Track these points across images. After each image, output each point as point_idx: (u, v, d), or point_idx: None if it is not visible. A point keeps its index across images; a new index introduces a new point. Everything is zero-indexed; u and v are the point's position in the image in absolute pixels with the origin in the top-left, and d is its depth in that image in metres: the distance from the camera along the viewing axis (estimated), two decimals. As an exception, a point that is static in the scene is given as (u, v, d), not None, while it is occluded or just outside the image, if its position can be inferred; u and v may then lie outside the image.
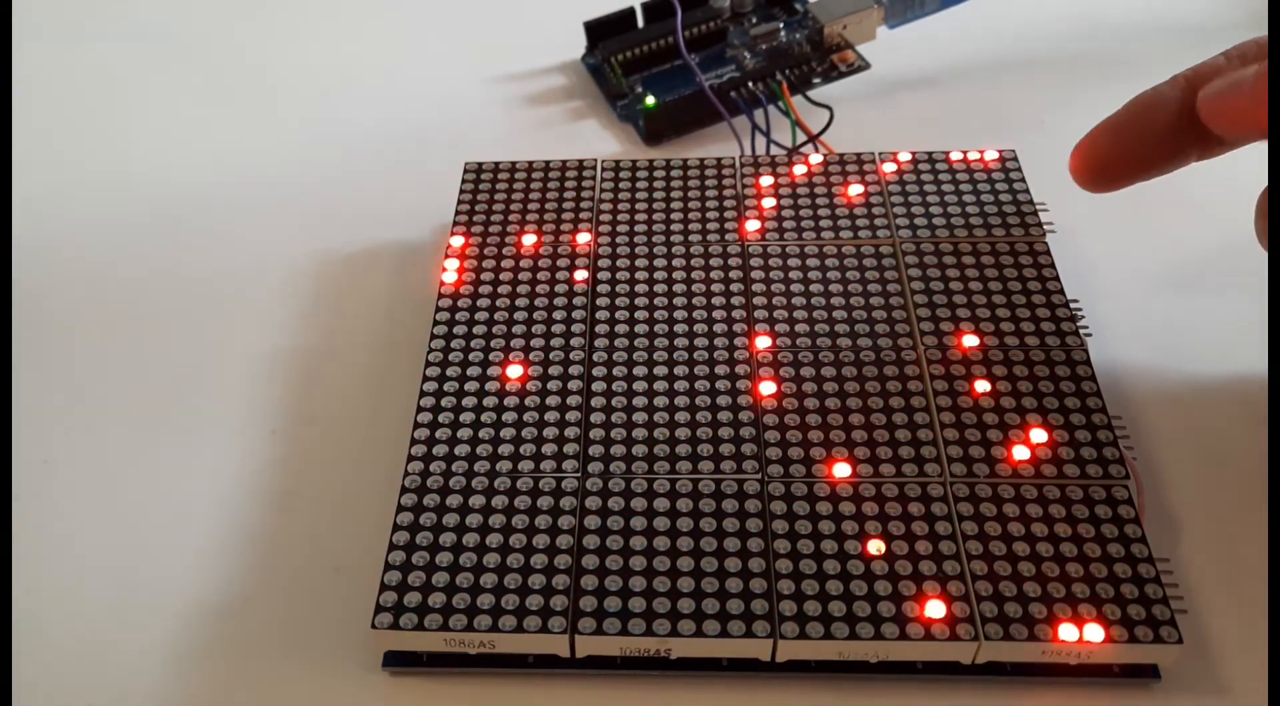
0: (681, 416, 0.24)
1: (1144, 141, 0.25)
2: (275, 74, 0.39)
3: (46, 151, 0.36)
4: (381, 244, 0.32)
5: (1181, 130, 0.24)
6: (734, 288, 0.27)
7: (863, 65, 0.35)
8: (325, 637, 0.23)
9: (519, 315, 0.27)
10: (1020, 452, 0.23)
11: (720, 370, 0.25)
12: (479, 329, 0.26)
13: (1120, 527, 0.22)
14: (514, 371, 0.25)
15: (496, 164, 0.31)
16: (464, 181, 0.31)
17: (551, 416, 0.24)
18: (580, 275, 0.28)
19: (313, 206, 0.33)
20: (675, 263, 0.28)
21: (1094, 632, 0.20)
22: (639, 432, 0.24)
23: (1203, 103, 0.23)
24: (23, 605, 0.24)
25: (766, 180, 0.30)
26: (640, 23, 0.37)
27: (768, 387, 0.25)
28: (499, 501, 0.23)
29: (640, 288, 0.27)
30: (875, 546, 0.22)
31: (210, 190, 0.34)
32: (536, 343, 0.26)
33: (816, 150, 0.32)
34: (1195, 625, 0.22)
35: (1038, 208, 0.28)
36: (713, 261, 0.28)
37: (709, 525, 0.22)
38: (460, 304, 0.27)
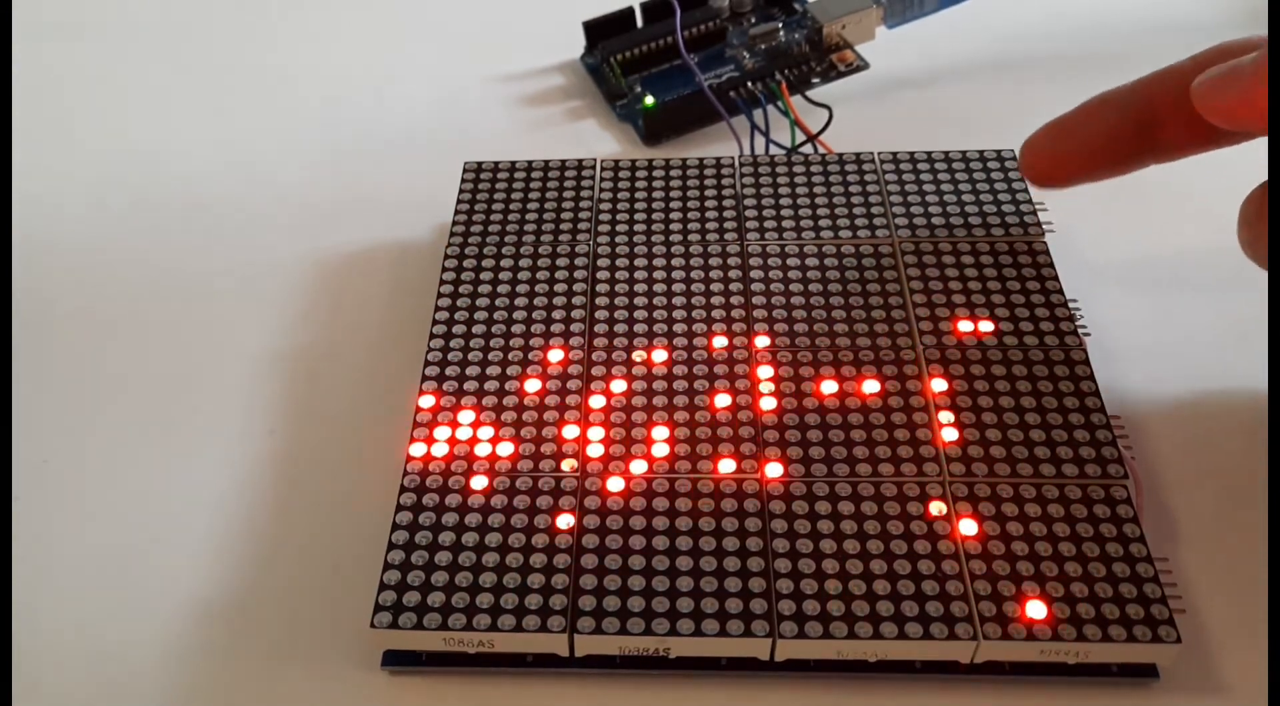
0: (681, 416, 0.24)
1: (1087, 143, 0.25)
2: (275, 74, 0.39)
3: (46, 151, 0.36)
4: (381, 244, 0.32)
5: (1130, 134, 0.24)
6: (734, 287, 0.27)
7: (862, 65, 0.35)
8: (325, 637, 0.23)
9: (519, 315, 0.27)
10: (1019, 453, 0.23)
11: (720, 370, 0.25)
12: (479, 329, 0.26)
13: (1119, 527, 0.22)
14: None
15: (496, 163, 0.31)
16: (463, 181, 0.31)
17: (551, 416, 0.24)
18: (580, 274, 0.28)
19: (313, 206, 0.33)
20: (675, 263, 0.28)
21: (1092, 632, 0.20)
22: (639, 432, 0.24)
23: (1197, 92, 0.22)
24: (23, 604, 0.24)
25: (766, 180, 0.30)
26: (639, 23, 0.37)
27: (767, 388, 0.25)
28: (499, 502, 0.23)
29: (640, 287, 0.27)
30: (874, 546, 0.22)
31: (210, 190, 0.34)
32: (536, 343, 0.26)
33: (816, 150, 0.32)
34: (1194, 624, 0.22)
35: (1037, 207, 0.28)
36: (712, 261, 0.28)
37: (708, 525, 0.22)
38: (460, 304, 0.27)
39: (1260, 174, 0.23)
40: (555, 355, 0.26)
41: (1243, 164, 0.25)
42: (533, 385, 0.25)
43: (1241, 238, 0.23)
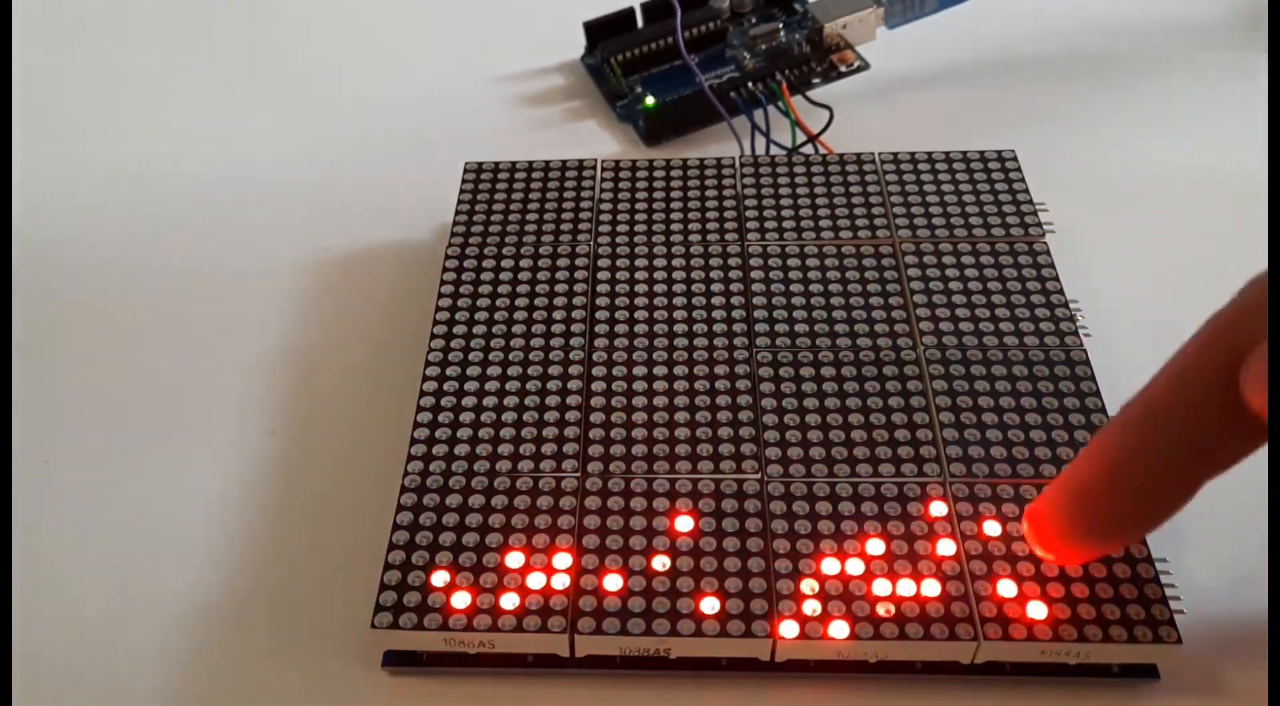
0: (681, 416, 0.24)
1: (1130, 506, 0.18)
2: (275, 74, 0.39)
3: (45, 151, 0.36)
4: (381, 244, 0.32)
5: (1188, 467, 0.18)
6: (734, 288, 0.27)
7: (862, 65, 0.35)
8: (325, 637, 0.23)
9: (519, 315, 0.27)
10: (1020, 453, 0.23)
11: (720, 370, 0.25)
12: (479, 329, 0.26)
13: (1120, 527, 0.22)
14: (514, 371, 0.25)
15: (496, 164, 0.31)
16: (464, 181, 0.31)
17: (551, 416, 0.24)
18: (580, 275, 0.28)
19: (313, 206, 0.33)
20: (675, 263, 0.28)
21: (1093, 632, 0.20)
22: (639, 432, 0.24)
23: (1254, 391, 0.16)
24: (22, 604, 0.24)
25: (766, 180, 0.30)
26: (640, 23, 0.37)
27: (767, 387, 0.25)
28: (499, 501, 0.23)
29: (640, 288, 0.27)
30: (874, 546, 0.22)
31: (210, 190, 0.34)
32: (536, 342, 0.26)
33: (816, 150, 0.32)
34: (1194, 625, 0.22)
35: (1037, 207, 0.28)
36: (712, 261, 0.28)
37: (708, 525, 0.22)
38: (460, 304, 0.27)
39: (1259, 174, 0.23)
40: (556, 355, 0.26)
41: (1242, 161, 0.25)
42: (533, 385, 0.25)
43: (1248, 388, 0.17)
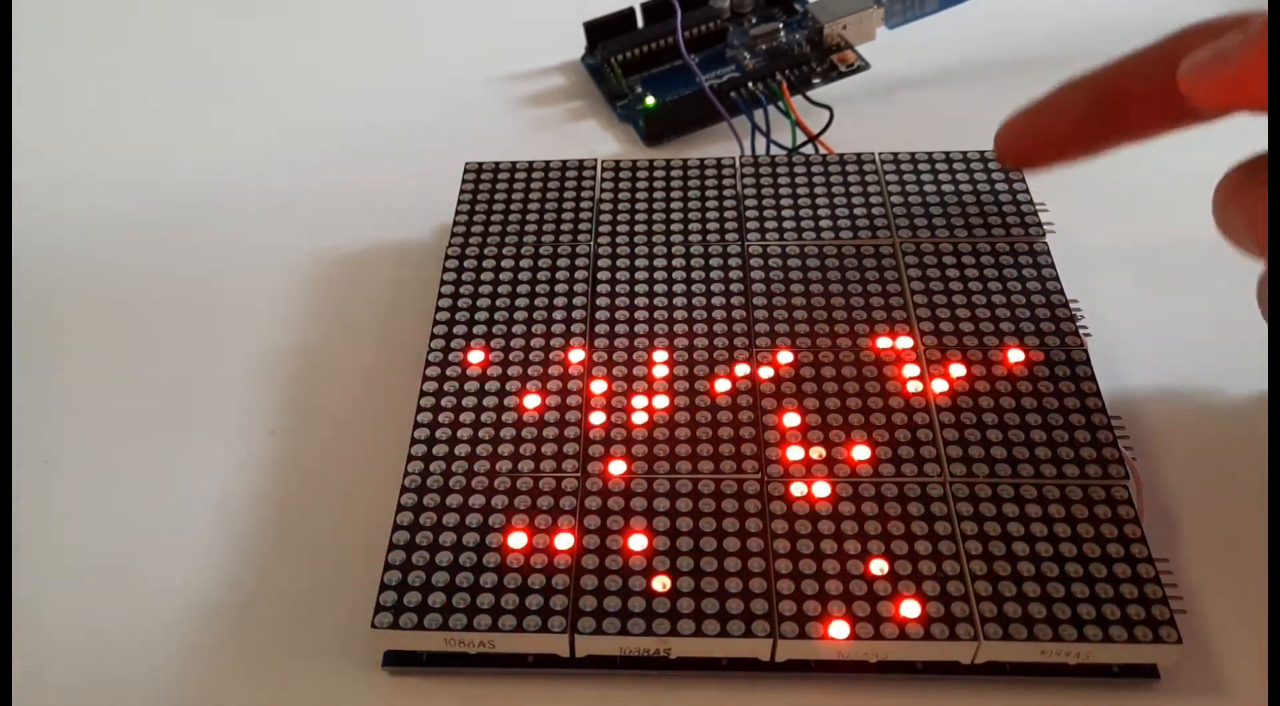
0: (681, 416, 0.24)
1: (1058, 129, 0.25)
2: (275, 73, 0.39)
3: (46, 151, 0.36)
4: (381, 244, 0.32)
5: (1100, 118, 0.25)
6: (734, 288, 0.27)
7: (863, 65, 0.35)
8: (325, 637, 0.23)
9: (519, 315, 0.27)
10: (1019, 453, 0.23)
11: (720, 370, 0.25)
12: (479, 329, 0.26)
13: (1120, 527, 0.22)
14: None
15: (497, 164, 0.31)
16: (464, 181, 0.31)
17: (551, 416, 0.24)
18: (580, 275, 0.28)
19: (313, 206, 0.33)
20: (675, 263, 0.28)
21: (1093, 632, 0.20)
22: (639, 432, 0.24)
23: (1187, 78, 0.21)
24: (23, 605, 0.24)
25: (766, 180, 0.30)
26: (640, 23, 0.37)
27: (767, 387, 0.25)
28: (499, 501, 0.23)
29: (640, 288, 0.27)
30: (875, 546, 0.22)
31: (210, 190, 0.34)
32: (536, 343, 0.26)
33: (816, 150, 0.32)
34: (1195, 625, 0.22)
35: (1037, 208, 0.28)
36: (713, 261, 0.28)
37: (709, 525, 0.22)
38: (460, 304, 0.27)
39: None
40: (556, 355, 0.26)
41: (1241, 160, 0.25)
42: (533, 385, 0.25)
43: (1217, 220, 0.23)
